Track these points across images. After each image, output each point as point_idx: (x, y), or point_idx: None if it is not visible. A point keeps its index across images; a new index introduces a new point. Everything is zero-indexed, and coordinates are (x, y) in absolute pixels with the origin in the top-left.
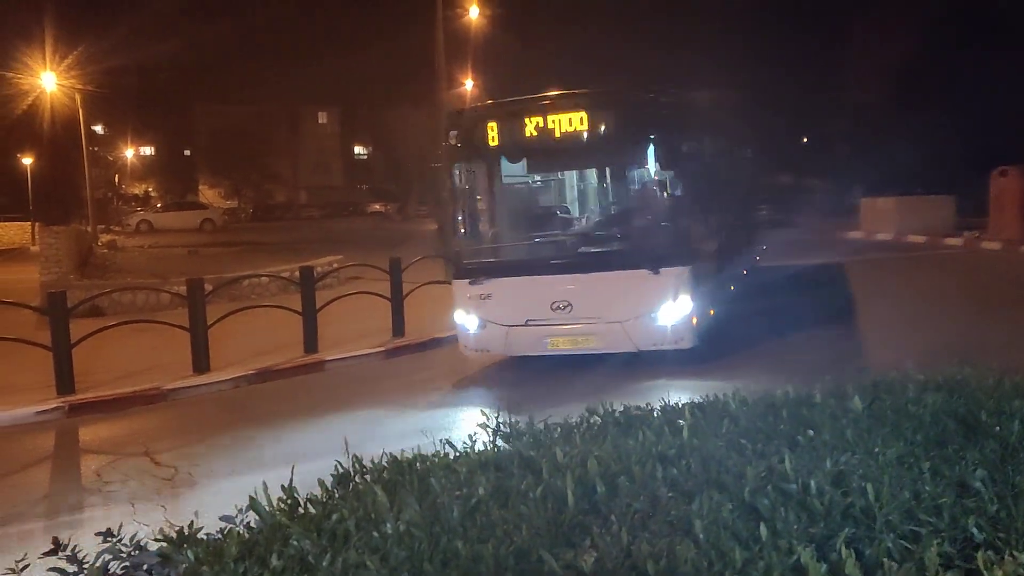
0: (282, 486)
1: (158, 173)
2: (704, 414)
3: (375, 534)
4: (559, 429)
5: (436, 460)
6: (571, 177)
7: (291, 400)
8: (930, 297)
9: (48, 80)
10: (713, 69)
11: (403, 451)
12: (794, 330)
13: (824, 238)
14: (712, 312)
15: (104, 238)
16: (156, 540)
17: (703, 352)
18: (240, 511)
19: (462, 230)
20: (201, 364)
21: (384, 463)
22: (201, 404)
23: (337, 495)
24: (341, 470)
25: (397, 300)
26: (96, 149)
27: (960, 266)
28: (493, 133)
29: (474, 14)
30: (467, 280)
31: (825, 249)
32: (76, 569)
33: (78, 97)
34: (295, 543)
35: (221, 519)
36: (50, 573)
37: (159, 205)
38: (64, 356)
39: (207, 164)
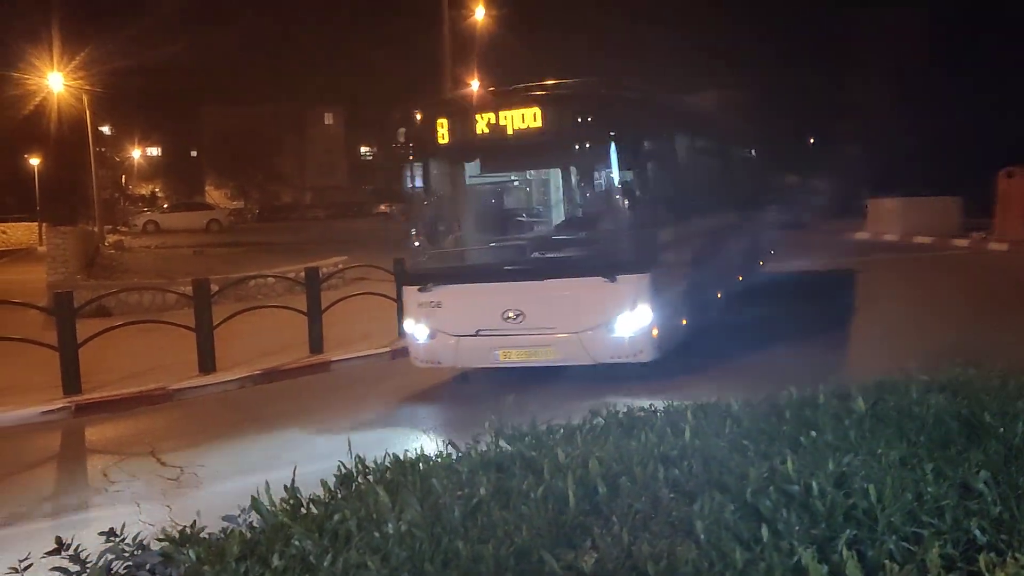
0: (285, 486)
1: (164, 174)
2: (707, 415)
3: (376, 534)
4: (561, 430)
5: (438, 460)
6: (525, 178)
7: (297, 400)
8: (936, 304)
9: (55, 81)
10: (721, 70)
11: (406, 452)
12: (783, 341)
13: (830, 239)
14: (685, 322)
15: (111, 238)
16: (159, 540)
17: (668, 366)
18: (243, 511)
19: (412, 233)
20: (207, 364)
21: (387, 463)
22: (207, 404)
23: (340, 495)
24: (344, 470)
25: (402, 301)
26: (103, 150)
27: (967, 268)
28: (443, 130)
29: (480, 15)
30: (416, 287)
31: (831, 251)
32: (79, 569)
33: (85, 98)
34: (296, 543)
35: (224, 519)
36: (53, 572)
37: (165, 206)
38: (70, 356)
39: (213, 165)
